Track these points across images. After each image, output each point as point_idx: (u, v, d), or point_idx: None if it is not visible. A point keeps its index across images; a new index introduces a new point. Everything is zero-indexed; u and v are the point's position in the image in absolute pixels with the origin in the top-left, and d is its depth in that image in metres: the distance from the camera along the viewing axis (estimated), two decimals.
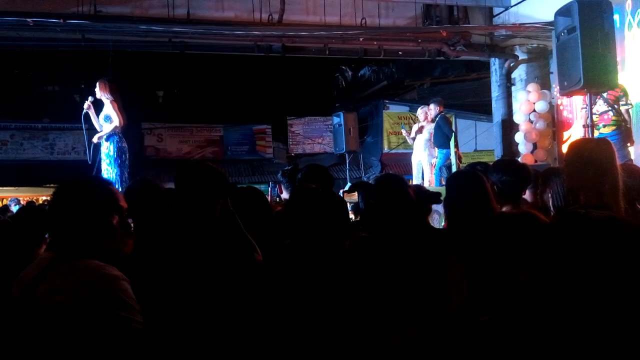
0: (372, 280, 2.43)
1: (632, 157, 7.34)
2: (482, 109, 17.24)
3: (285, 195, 4.27)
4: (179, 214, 2.57)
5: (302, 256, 2.48)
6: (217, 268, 2.28)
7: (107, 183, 2.19)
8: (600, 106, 7.32)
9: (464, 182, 3.15)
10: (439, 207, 5.20)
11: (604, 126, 7.27)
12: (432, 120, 10.22)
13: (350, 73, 24.23)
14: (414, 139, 10.71)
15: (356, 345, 2.29)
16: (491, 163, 4.02)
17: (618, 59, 6.84)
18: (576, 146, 2.85)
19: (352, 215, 5.70)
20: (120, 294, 1.84)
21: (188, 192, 2.60)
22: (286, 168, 4.38)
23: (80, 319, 1.75)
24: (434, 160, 10.17)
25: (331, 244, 2.52)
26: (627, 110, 7.32)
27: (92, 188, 2.03)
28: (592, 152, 2.70)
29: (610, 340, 1.40)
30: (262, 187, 15.06)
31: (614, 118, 7.20)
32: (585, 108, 7.87)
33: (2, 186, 18.54)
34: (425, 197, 3.40)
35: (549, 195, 3.08)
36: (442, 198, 3.44)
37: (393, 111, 20.61)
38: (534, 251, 1.52)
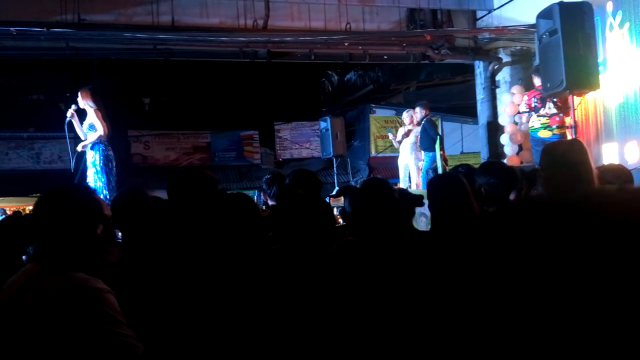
0: (358, 284, 2.44)
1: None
2: (468, 112, 17.33)
3: (271, 202, 4.30)
4: (173, 222, 2.56)
5: (290, 261, 2.49)
6: (212, 276, 2.28)
7: (91, 191, 2.14)
8: (551, 109, 7.60)
9: (442, 185, 3.18)
10: (426, 210, 5.24)
11: (557, 127, 7.56)
12: (418, 124, 10.25)
13: (336, 78, 24.28)
14: (400, 142, 10.74)
15: (345, 348, 2.31)
16: (476, 165, 4.06)
17: (600, 60, 6.94)
18: (550, 149, 2.89)
19: (340, 220, 5.73)
20: (105, 308, 1.80)
21: (182, 199, 2.59)
22: (266, 176, 4.42)
23: (64, 334, 1.72)
24: (420, 163, 10.20)
25: (318, 248, 2.54)
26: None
27: (75, 197, 1.98)
28: (565, 153, 2.74)
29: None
30: (250, 193, 15.05)
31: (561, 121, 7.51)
32: (527, 113, 8.21)
33: None
34: (408, 199, 3.43)
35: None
36: (424, 201, 3.47)
37: (379, 115, 20.69)
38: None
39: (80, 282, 1.81)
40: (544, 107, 7.80)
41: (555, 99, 7.39)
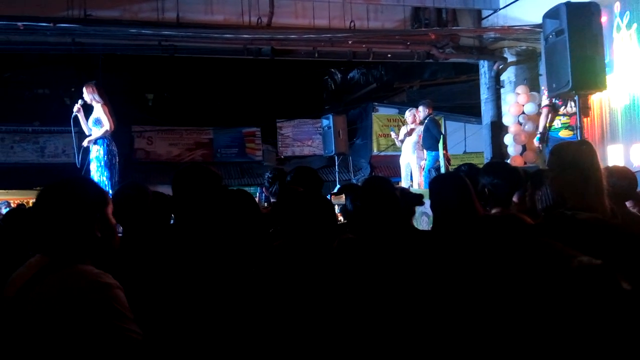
0: (357, 281, 2.44)
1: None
2: (472, 111, 17.27)
3: (272, 199, 4.32)
4: (176, 217, 2.56)
5: (290, 258, 2.49)
6: (216, 273, 2.27)
7: (92, 182, 2.16)
8: (572, 108, 7.52)
9: (444, 185, 3.15)
10: (428, 210, 5.23)
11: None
12: (421, 123, 10.22)
13: (339, 75, 24.26)
14: (402, 141, 10.71)
15: (345, 344, 2.30)
16: (479, 165, 4.04)
17: (606, 61, 6.91)
18: (558, 149, 2.85)
19: (340, 218, 5.73)
20: (114, 303, 1.81)
21: (187, 194, 2.59)
22: (268, 174, 4.44)
23: (73, 328, 1.72)
24: (422, 163, 10.17)
25: (319, 246, 2.53)
26: None
27: (77, 188, 2.00)
28: (574, 154, 2.70)
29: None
30: (251, 189, 15.06)
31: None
32: (550, 106, 8.07)
33: None
34: (407, 199, 3.41)
35: (538, 197, 3.09)
36: (424, 200, 3.45)
37: (382, 113, 20.64)
38: (520, 252, 1.53)
39: (91, 277, 1.82)
40: (565, 106, 7.70)
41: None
